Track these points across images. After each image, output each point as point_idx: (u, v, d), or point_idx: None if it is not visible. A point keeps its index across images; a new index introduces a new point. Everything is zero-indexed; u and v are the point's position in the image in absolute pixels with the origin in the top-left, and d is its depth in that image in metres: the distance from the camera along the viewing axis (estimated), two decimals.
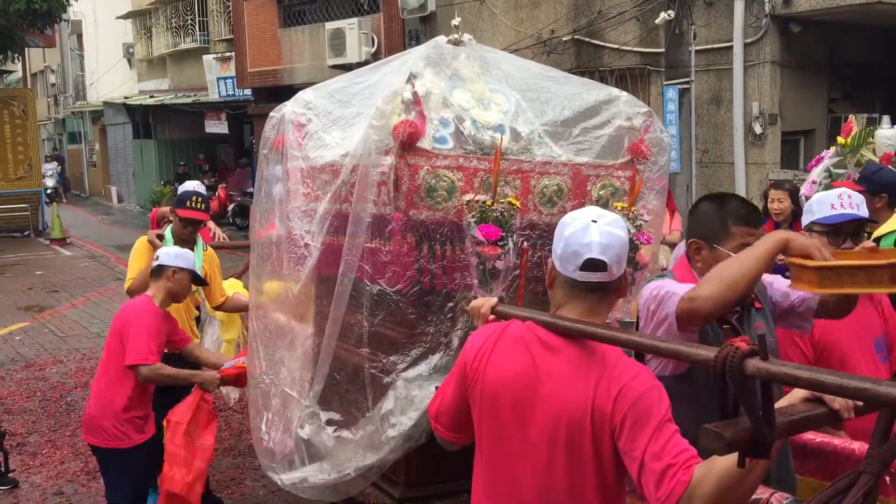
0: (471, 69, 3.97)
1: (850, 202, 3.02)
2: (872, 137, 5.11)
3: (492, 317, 2.44)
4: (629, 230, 3.58)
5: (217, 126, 21.00)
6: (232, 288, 5.57)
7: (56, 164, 30.19)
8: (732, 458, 1.75)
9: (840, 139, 4.75)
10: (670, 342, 2.01)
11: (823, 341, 3.10)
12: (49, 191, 25.46)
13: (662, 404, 2.05)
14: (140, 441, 4.25)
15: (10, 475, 5.69)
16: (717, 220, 2.63)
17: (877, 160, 5.00)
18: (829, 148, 4.89)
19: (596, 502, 2.14)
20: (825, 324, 3.06)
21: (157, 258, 4.42)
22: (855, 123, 5.10)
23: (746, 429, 1.64)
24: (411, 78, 3.63)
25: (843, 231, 3.00)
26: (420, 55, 3.95)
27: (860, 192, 3.31)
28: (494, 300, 2.49)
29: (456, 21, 4.08)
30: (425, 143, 3.58)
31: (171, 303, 4.44)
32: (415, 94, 3.56)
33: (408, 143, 3.46)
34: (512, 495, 2.24)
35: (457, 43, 4.04)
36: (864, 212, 3.04)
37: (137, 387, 4.21)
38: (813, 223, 3.06)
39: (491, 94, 3.92)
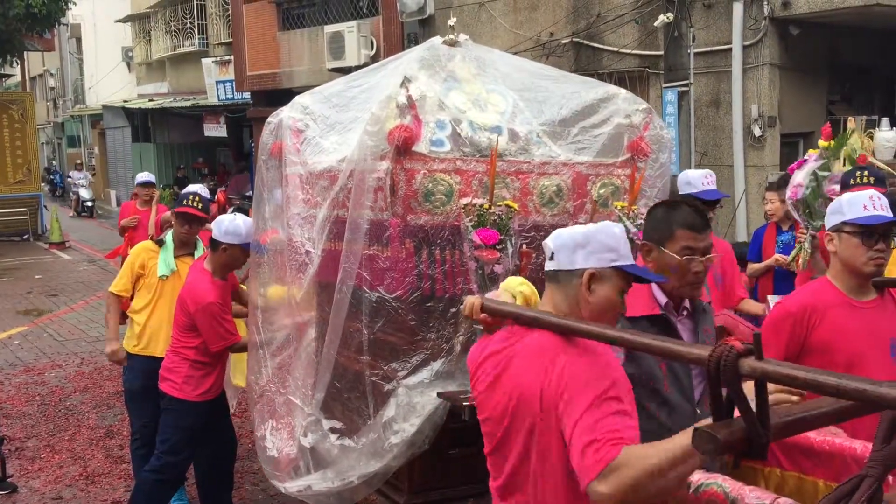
0: (467, 70, 3.95)
1: (880, 204, 3.04)
2: (871, 140, 5.11)
3: (482, 315, 2.43)
4: (629, 230, 3.57)
5: (216, 129, 20.97)
6: None
7: (87, 172, 27.52)
8: (668, 446, 1.81)
9: (822, 142, 4.74)
10: (663, 340, 1.99)
11: (827, 342, 3.09)
12: (88, 203, 24.54)
13: (604, 381, 2.06)
14: (196, 398, 4.60)
15: (9, 480, 5.67)
16: (664, 223, 2.79)
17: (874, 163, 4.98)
18: (814, 150, 4.86)
19: (564, 489, 2.14)
20: (832, 324, 3.08)
21: (212, 229, 4.67)
22: (854, 126, 5.09)
23: (741, 430, 1.63)
24: (405, 82, 3.61)
25: (876, 232, 3.02)
26: (415, 57, 3.94)
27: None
28: (479, 300, 2.48)
29: (452, 21, 4.06)
30: (422, 147, 3.56)
31: (228, 272, 4.70)
32: (409, 97, 3.54)
33: (403, 147, 3.45)
34: (508, 488, 2.29)
35: (452, 44, 4.02)
36: (890, 212, 3.07)
37: (198, 353, 4.58)
38: (844, 223, 3.06)
39: (488, 95, 3.90)
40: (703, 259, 2.77)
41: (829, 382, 1.50)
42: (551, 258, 2.30)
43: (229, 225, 4.52)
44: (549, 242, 2.31)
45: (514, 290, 2.58)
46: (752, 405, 1.65)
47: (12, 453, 6.22)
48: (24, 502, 5.50)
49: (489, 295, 2.73)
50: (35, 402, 7.54)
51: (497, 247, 3.46)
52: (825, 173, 4.63)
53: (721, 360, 1.66)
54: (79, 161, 28.58)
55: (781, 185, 5.33)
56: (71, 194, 26.49)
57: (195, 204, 5.05)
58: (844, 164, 4.69)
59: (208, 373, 4.63)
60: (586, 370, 2.09)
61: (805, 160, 4.71)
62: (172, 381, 4.63)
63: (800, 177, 4.65)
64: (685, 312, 2.87)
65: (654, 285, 2.81)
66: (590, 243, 2.24)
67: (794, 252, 4.84)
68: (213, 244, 4.59)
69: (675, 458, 1.84)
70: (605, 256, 2.23)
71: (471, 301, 2.48)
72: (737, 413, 1.68)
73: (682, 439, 1.83)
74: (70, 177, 26.45)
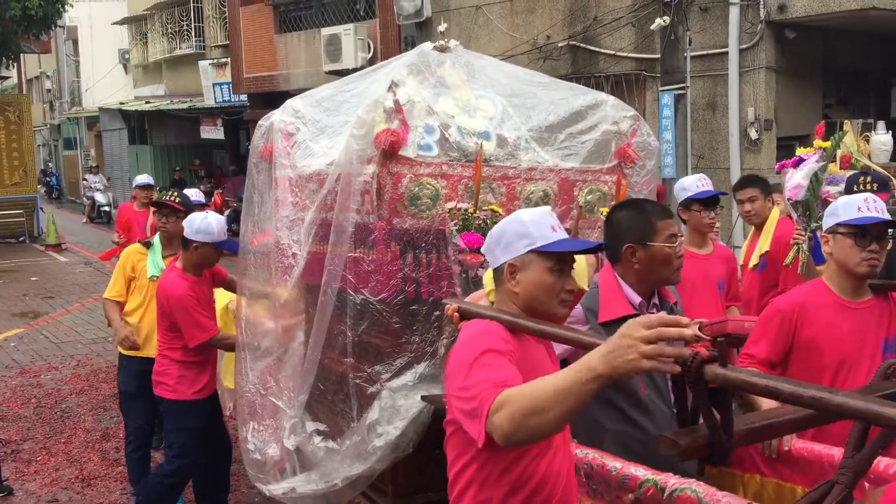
0: (456, 76, 3.96)
1: (875, 206, 3.08)
2: (867, 143, 5.11)
3: (462, 324, 2.44)
4: None
5: (213, 132, 20.96)
6: (229, 296, 5.55)
7: (102, 175, 25.25)
8: (548, 381, 1.83)
9: (819, 142, 4.74)
10: None
11: (816, 341, 3.11)
12: (105, 208, 23.62)
13: (475, 352, 2.09)
14: (192, 396, 4.61)
15: (5, 483, 5.66)
16: (641, 221, 2.91)
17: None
18: (805, 149, 4.85)
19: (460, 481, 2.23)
20: (822, 324, 3.11)
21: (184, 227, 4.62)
22: (850, 129, 5.09)
23: (704, 436, 1.63)
24: (392, 86, 3.63)
25: (870, 233, 3.05)
26: (404, 63, 3.96)
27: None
28: (455, 305, 2.50)
29: (442, 27, 4.09)
30: (409, 151, 3.57)
31: (200, 270, 4.66)
32: (396, 102, 3.55)
33: (390, 151, 3.47)
34: None
35: (443, 49, 4.04)
36: (886, 214, 3.11)
37: (185, 353, 4.58)
38: (838, 225, 3.10)
39: (476, 101, 3.92)
40: (681, 241, 2.94)
41: (786, 390, 1.49)
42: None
43: (201, 223, 4.51)
44: (482, 251, 2.42)
45: (487, 286, 2.62)
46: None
47: (8, 456, 6.22)
48: None
49: (470, 297, 2.75)
50: (31, 404, 7.53)
51: (481, 251, 3.47)
52: (825, 174, 4.63)
53: (686, 366, 1.66)
54: (94, 164, 27.13)
55: (756, 183, 5.31)
56: (84, 199, 25.35)
57: (173, 198, 5.21)
58: (839, 166, 4.69)
59: (201, 370, 4.64)
60: (458, 350, 2.17)
61: (802, 159, 4.70)
62: (166, 384, 4.63)
63: (799, 177, 4.64)
64: (654, 311, 2.93)
65: (627, 288, 2.88)
66: (503, 237, 2.30)
67: (791, 254, 4.85)
68: (185, 242, 4.58)
69: (558, 391, 1.80)
70: (519, 244, 2.27)
71: (451, 308, 2.49)
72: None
73: (565, 375, 1.82)
74: (85, 180, 25.25)
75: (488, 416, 1.92)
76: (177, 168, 23.33)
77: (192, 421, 4.63)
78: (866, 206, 3.06)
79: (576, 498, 2.38)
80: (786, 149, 9.12)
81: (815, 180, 4.37)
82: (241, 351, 4.31)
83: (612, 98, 4.09)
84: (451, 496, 2.27)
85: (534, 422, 1.83)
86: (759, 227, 5.21)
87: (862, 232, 3.04)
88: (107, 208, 23.98)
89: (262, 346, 4.20)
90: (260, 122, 4.24)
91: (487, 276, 2.74)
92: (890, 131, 7.99)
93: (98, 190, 24.26)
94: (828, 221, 3.18)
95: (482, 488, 2.17)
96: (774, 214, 5.20)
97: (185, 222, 4.63)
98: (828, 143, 4.49)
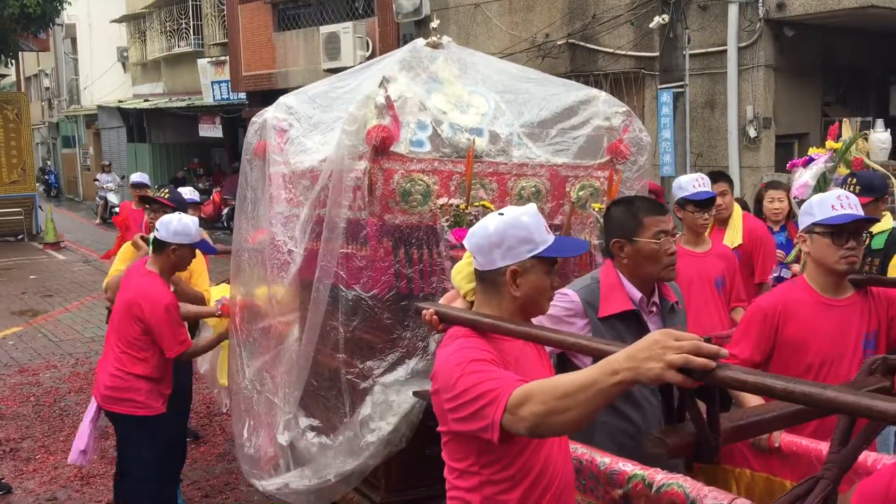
0: (449, 71, 3.97)
1: (849, 203, 3.06)
2: (866, 141, 5.12)
3: (441, 325, 2.41)
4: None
5: (211, 130, 20.97)
6: (223, 293, 5.55)
7: (114, 174, 23.76)
8: (574, 382, 1.77)
9: (831, 143, 4.75)
10: (611, 342, 1.96)
11: (798, 339, 3.13)
12: (115, 208, 21.48)
13: (461, 360, 2.08)
14: (163, 406, 4.40)
15: (3, 481, 5.66)
16: (628, 216, 2.94)
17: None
18: (816, 149, 4.87)
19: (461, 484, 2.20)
20: (803, 322, 3.13)
21: (157, 230, 4.38)
22: (848, 127, 5.11)
23: (690, 434, 1.62)
24: (384, 82, 3.63)
25: (846, 231, 3.04)
26: (396, 59, 3.96)
27: None
28: (432, 309, 2.46)
29: (434, 23, 4.09)
30: (401, 147, 3.57)
31: (174, 273, 4.52)
32: (387, 98, 3.55)
33: (381, 147, 3.47)
34: None
35: (435, 46, 4.04)
36: (861, 211, 3.10)
37: (150, 366, 4.33)
38: (815, 224, 3.09)
39: (469, 97, 3.92)
40: (674, 239, 2.95)
41: (779, 386, 1.48)
42: (473, 258, 2.34)
43: (178, 225, 4.29)
44: (465, 244, 2.35)
45: (463, 288, 2.60)
46: None
47: (7, 454, 6.22)
48: (19, 503, 5.49)
49: (443, 299, 2.72)
50: (30, 402, 7.52)
51: (467, 246, 3.48)
52: (831, 175, 4.66)
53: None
54: (106, 163, 25.63)
55: (726, 177, 5.40)
56: (97, 199, 24.29)
57: (163, 194, 5.33)
58: (847, 167, 4.72)
59: (166, 375, 4.45)
60: (441, 368, 2.14)
61: (812, 158, 4.71)
62: (135, 400, 4.34)
63: (807, 176, 4.66)
64: (654, 309, 2.95)
65: (628, 284, 2.91)
66: (504, 241, 2.23)
67: (794, 251, 4.88)
68: (160, 245, 4.34)
69: (585, 391, 1.75)
70: (521, 250, 2.23)
71: (428, 313, 2.45)
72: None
73: (588, 376, 1.76)
74: (97, 180, 24.22)
75: (507, 411, 1.90)
76: (182, 167, 23.27)
77: (165, 432, 4.47)
78: (840, 203, 3.05)
79: (573, 485, 2.38)
80: (784, 147, 9.13)
81: (823, 181, 4.38)
82: (236, 348, 4.31)
83: (603, 94, 4.09)
84: (452, 494, 2.25)
85: (558, 419, 1.82)
86: (721, 223, 5.25)
87: (839, 230, 3.03)
88: (116, 208, 23.46)
89: (258, 343, 4.19)
90: (253, 118, 4.25)
91: (460, 275, 2.67)
92: (889, 129, 7.99)
93: (111, 190, 23.35)
94: (804, 220, 3.18)
95: (485, 485, 2.17)
96: (738, 209, 5.30)
97: (158, 224, 4.37)
98: (839, 145, 4.50)
